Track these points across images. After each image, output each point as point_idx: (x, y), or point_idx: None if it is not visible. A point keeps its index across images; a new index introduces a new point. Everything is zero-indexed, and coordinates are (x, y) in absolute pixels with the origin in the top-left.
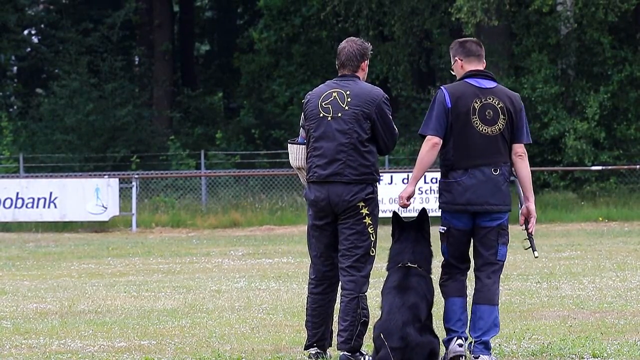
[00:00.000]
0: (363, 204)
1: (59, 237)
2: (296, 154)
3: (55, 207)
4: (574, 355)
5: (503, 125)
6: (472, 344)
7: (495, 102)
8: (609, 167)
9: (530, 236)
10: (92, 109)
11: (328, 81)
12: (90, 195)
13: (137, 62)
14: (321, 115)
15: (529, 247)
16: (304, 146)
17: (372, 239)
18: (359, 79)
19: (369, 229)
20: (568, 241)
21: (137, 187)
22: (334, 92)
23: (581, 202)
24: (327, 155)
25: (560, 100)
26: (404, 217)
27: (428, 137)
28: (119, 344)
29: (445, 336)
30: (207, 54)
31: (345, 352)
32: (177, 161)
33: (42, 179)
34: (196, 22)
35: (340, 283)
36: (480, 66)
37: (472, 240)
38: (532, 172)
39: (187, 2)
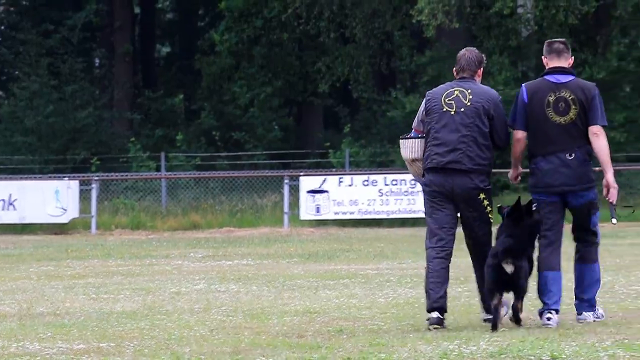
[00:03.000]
0: (484, 196)
1: (18, 239)
2: (412, 147)
3: (15, 209)
4: (532, 357)
5: (575, 114)
6: (576, 301)
7: (567, 95)
8: None
9: (611, 205)
10: (52, 111)
11: (448, 82)
12: (49, 198)
13: (97, 64)
14: (444, 109)
15: (611, 217)
16: (420, 139)
17: (491, 223)
18: (477, 82)
19: (489, 216)
20: None
21: (97, 189)
22: (456, 90)
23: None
24: (448, 145)
25: None
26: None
27: (514, 131)
28: (78, 346)
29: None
30: (168, 56)
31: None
32: (137, 163)
33: (1, 180)
34: (157, 23)
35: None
36: (562, 63)
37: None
38: (494, 173)
39: (148, 4)
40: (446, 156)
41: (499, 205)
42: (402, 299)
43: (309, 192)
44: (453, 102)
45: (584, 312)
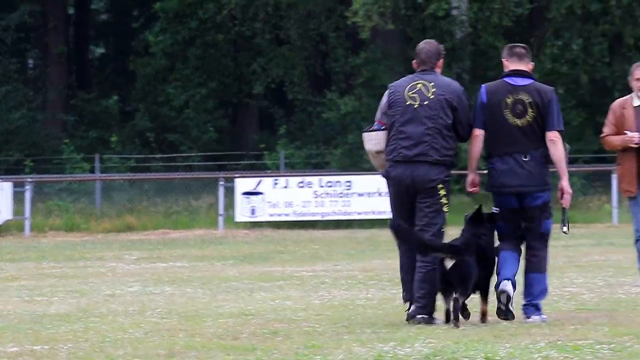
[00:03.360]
0: (441, 185)
1: None
2: (375, 139)
3: None
4: (466, 358)
5: (532, 117)
6: (524, 305)
7: (525, 98)
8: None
9: (563, 211)
10: None
11: (409, 75)
12: None
13: (31, 65)
14: (408, 102)
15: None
16: (383, 132)
17: (445, 217)
18: (438, 74)
19: (444, 207)
20: None
21: (30, 191)
22: (419, 83)
23: (474, 206)
24: (413, 138)
25: None
26: None
27: (473, 129)
28: (11, 349)
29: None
30: (103, 57)
31: (423, 316)
32: (71, 165)
33: None
34: (91, 24)
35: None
36: (522, 66)
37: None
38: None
39: (82, 4)
40: (413, 149)
41: (465, 214)
42: (337, 300)
43: (244, 193)
44: (417, 95)
45: (532, 316)
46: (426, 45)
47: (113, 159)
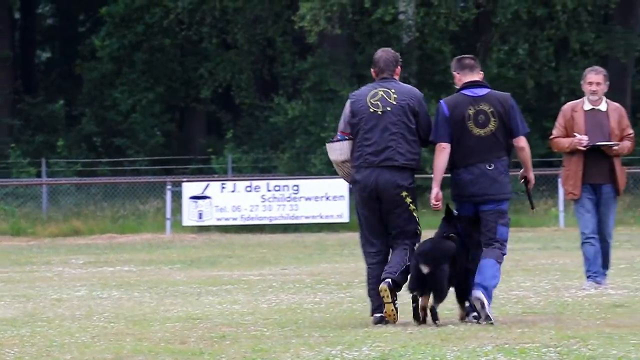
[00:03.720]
0: (406, 193)
1: None
2: (340, 149)
3: None
4: None
5: (495, 127)
6: (475, 284)
7: (486, 108)
8: (449, 175)
9: (528, 192)
10: None
11: (369, 84)
12: None
13: None
14: (371, 110)
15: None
16: (348, 141)
17: (417, 220)
18: (397, 81)
19: (413, 212)
20: None
21: None
22: (380, 91)
23: (422, 210)
24: (379, 144)
25: None
26: None
27: (437, 143)
28: None
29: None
30: (49, 61)
31: (389, 280)
32: (17, 169)
33: None
34: (37, 29)
35: (394, 244)
36: (475, 77)
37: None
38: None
39: (28, 9)
40: (379, 155)
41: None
42: (285, 304)
43: (191, 198)
44: (379, 102)
45: (479, 290)
46: (384, 53)
47: (60, 163)
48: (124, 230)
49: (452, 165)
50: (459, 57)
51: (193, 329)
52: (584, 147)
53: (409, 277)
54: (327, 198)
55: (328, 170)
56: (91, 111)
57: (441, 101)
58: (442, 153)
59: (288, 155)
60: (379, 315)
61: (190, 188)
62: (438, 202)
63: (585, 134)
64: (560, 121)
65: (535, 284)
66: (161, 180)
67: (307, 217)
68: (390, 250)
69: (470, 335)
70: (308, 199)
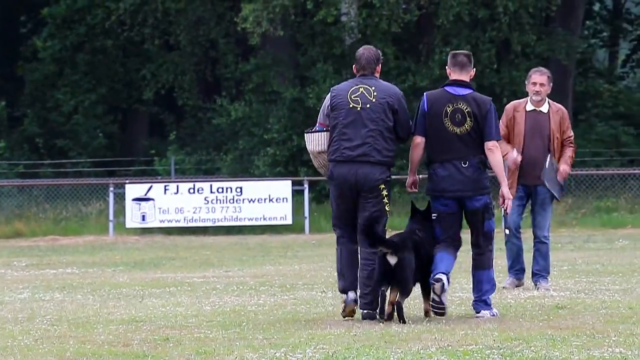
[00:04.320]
0: (383, 186)
1: None
2: (318, 140)
3: None
4: None
5: (470, 126)
6: (474, 302)
7: (463, 107)
8: (393, 177)
9: (505, 217)
10: None
11: (351, 79)
12: None
13: None
14: (350, 105)
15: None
16: (325, 133)
17: (387, 216)
18: (377, 78)
19: (386, 207)
20: None
21: None
22: (361, 87)
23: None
24: (356, 139)
25: None
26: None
27: (414, 137)
28: None
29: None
30: None
31: (369, 311)
32: None
33: None
34: None
35: (360, 252)
36: (463, 76)
37: (462, 220)
38: (316, 181)
39: None
40: (355, 150)
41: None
42: (229, 306)
43: (134, 200)
44: (359, 98)
45: (482, 311)
46: (366, 51)
47: (1, 165)
48: (67, 232)
49: (429, 160)
50: (455, 52)
51: (136, 331)
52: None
53: (375, 272)
54: (271, 200)
55: (271, 171)
56: (33, 112)
57: (424, 95)
58: (417, 147)
59: (231, 156)
60: (352, 297)
61: (133, 190)
62: (414, 188)
63: (525, 135)
64: (502, 120)
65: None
66: (104, 182)
67: (250, 219)
68: (359, 257)
69: (413, 337)
70: (251, 200)
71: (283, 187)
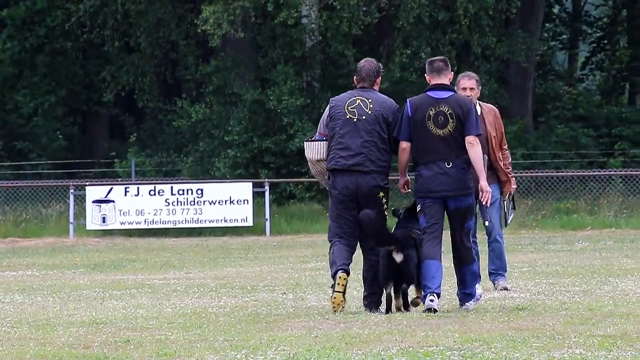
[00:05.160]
0: (382, 194)
1: None
2: (317, 149)
3: None
4: None
5: (453, 127)
6: (459, 293)
7: (446, 110)
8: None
9: (482, 207)
10: None
11: (350, 91)
12: None
13: None
14: (348, 116)
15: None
16: (324, 142)
17: (386, 221)
18: (376, 91)
19: (385, 212)
20: (314, 252)
21: None
22: (358, 99)
23: (326, 213)
24: (352, 149)
25: (305, 112)
26: None
27: (400, 142)
28: None
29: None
30: None
31: (373, 308)
32: None
33: None
34: None
35: (365, 254)
36: (443, 80)
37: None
38: (277, 183)
39: None
40: (350, 159)
41: (392, 208)
42: (189, 308)
43: (94, 201)
44: (355, 110)
45: (466, 303)
46: (367, 63)
47: None
48: (27, 234)
49: (414, 162)
50: (431, 59)
51: (97, 333)
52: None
53: (380, 269)
54: (232, 202)
55: (232, 173)
56: None
57: (408, 101)
58: (404, 152)
59: (192, 158)
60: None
61: (93, 192)
62: (408, 189)
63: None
64: None
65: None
66: (64, 184)
67: (211, 221)
68: (363, 259)
69: (374, 339)
70: (212, 202)
71: (244, 189)
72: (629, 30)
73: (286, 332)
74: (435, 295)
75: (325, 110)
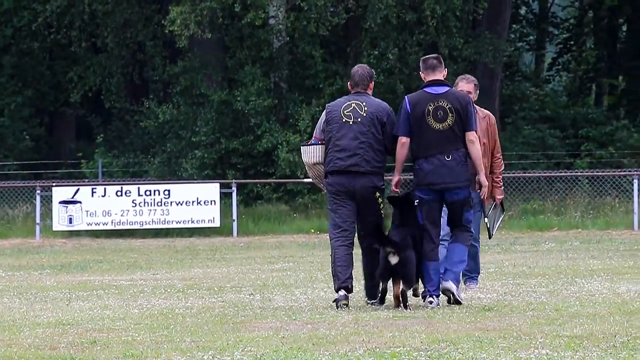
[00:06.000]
0: (378, 194)
1: None
2: (314, 152)
3: None
4: None
5: (452, 121)
6: (445, 271)
7: (444, 104)
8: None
9: (481, 203)
10: None
11: (345, 96)
12: None
13: None
14: (343, 120)
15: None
16: (321, 146)
17: (383, 220)
18: (369, 95)
19: (381, 211)
20: (281, 253)
21: None
22: (353, 103)
23: (293, 214)
24: (348, 150)
25: (273, 113)
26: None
27: (399, 137)
28: None
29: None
30: None
31: (374, 302)
32: None
33: None
34: None
35: (363, 252)
36: (437, 76)
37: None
38: (245, 184)
39: None
40: (347, 160)
41: (388, 195)
42: (156, 309)
43: (61, 202)
44: (351, 113)
45: (450, 281)
46: (360, 69)
47: None
48: None
49: (414, 156)
50: (424, 57)
51: (63, 334)
52: None
53: (378, 267)
54: (199, 203)
55: (199, 174)
56: None
57: (406, 98)
58: (403, 147)
59: (159, 159)
60: (342, 294)
61: (60, 193)
62: (398, 188)
63: None
64: None
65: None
66: (31, 184)
67: (178, 222)
68: (362, 254)
69: (341, 340)
70: (179, 203)
71: (211, 190)
72: (595, 31)
73: (253, 333)
74: (434, 296)
75: (322, 116)
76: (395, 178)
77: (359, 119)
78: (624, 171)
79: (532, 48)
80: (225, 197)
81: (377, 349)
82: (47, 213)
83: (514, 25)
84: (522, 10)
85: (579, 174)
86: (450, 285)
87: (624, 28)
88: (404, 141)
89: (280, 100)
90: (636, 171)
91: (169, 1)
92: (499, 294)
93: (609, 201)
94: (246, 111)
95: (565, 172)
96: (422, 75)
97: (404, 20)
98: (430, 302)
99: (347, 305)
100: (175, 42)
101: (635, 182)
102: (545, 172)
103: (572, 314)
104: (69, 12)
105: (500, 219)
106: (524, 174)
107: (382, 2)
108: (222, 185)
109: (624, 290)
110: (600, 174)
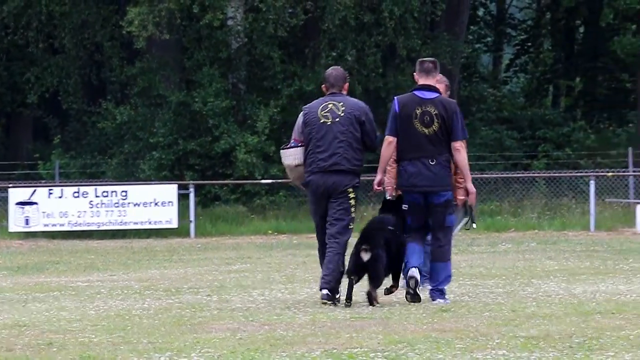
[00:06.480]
0: (351, 190)
1: None
2: (294, 155)
3: None
4: None
5: (437, 127)
6: (431, 290)
7: (431, 110)
8: (279, 181)
9: (469, 209)
10: None
11: (321, 98)
12: None
13: None
14: (322, 121)
15: (468, 220)
16: (301, 148)
17: (352, 216)
18: (345, 95)
19: (352, 208)
20: (238, 254)
21: None
22: (330, 103)
23: (251, 215)
24: (328, 150)
25: (231, 114)
26: None
27: (386, 136)
28: None
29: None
30: None
31: (327, 291)
32: None
33: None
34: None
35: (327, 244)
36: (430, 81)
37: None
38: (203, 185)
39: None
40: (328, 160)
41: (384, 198)
42: (113, 311)
43: (17, 203)
44: (329, 114)
45: (437, 299)
46: (334, 71)
47: None
48: None
49: (399, 158)
50: (421, 59)
51: (20, 336)
52: None
53: (349, 262)
54: (156, 204)
55: (157, 175)
56: None
57: (395, 98)
58: (389, 146)
59: (116, 160)
60: (325, 293)
61: (16, 194)
62: (380, 187)
63: None
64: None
65: (362, 289)
66: None
67: (135, 223)
68: (326, 251)
69: (299, 341)
70: (136, 204)
71: (168, 191)
72: (553, 33)
73: (210, 334)
74: (414, 268)
75: (299, 118)
76: (378, 177)
77: (337, 119)
78: (581, 172)
79: (489, 49)
80: (182, 198)
81: (335, 350)
82: (3, 214)
83: (472, 27)
84: (480, 12)
85: (536, 175)
86: (438, 302)
87: (581, 30)
88: (390, 140)
89: (239, 101)
90: (592, 172)
91: (126, 2)
92: (455, 295)
93: (566, 202)
94: (204, 112)
95: (522, 173)
96: (416, 77)
97: (362, 22)
98: (411, 277)
99: (331, 302)
100: (133, 43)
101: (592, 183)
102: (502, 173)
103: (529, 315)
104: (26, 13)
105: (464, 221)
106: (481, 175)
107: (341, 4)
108: (179, 187)
109: (580, 291)
110: (557, 175)
